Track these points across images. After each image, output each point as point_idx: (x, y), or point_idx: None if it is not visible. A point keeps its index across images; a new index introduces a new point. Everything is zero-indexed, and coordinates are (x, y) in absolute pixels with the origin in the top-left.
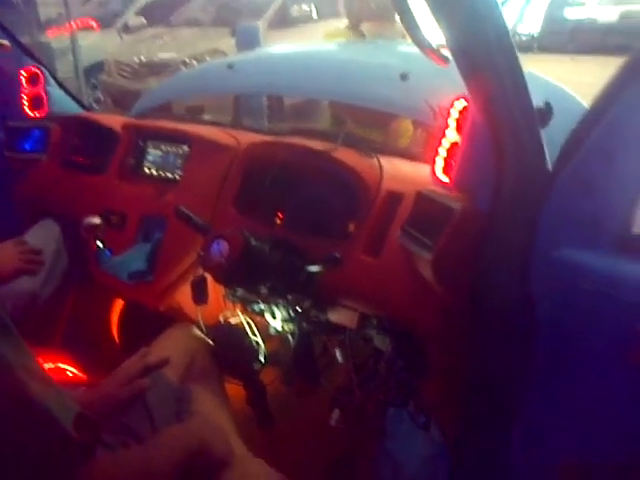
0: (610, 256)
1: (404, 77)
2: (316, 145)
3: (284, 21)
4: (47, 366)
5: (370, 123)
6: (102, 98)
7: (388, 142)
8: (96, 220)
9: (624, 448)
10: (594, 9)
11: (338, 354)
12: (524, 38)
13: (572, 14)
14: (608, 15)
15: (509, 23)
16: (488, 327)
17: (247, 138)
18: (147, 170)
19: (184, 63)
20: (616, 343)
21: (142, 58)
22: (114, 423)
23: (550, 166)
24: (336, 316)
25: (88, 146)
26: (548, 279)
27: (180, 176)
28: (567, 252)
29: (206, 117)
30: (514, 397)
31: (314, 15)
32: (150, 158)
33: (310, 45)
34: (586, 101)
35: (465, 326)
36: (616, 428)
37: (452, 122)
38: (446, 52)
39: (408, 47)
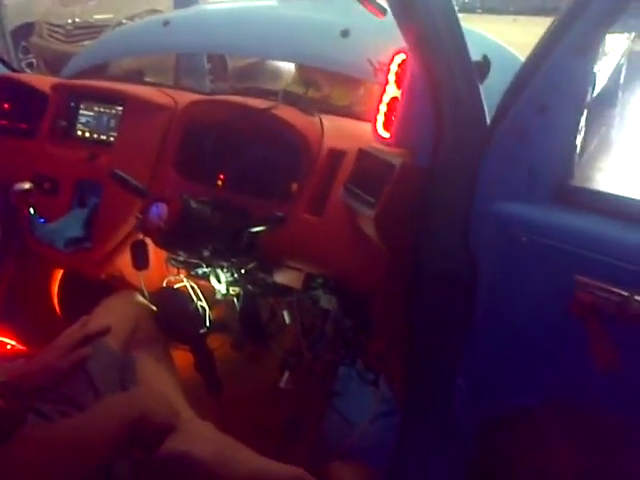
0: (547, 207)
1: (345, 34)
2: (256, 103)
3: None
4: None
5: (340, 85)
6: (35, 62)
7: (357, 104)
8: (26, 186)
9: (565, 397)
10: None
11: (286, 316)
12: None
13: None
14: None
15: None
16: (431, 281)
17: (186, 98)
18: (80, 133)
19: (121, 25)
20: (556, 293)
21: (76, 19)
22: (54, 394)
23: (488, 120)
24: (282, 277)
25: (16, 109)
26: (487, 232)
27: (115, 138)
28: (505, 205)
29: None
30: (458, 351)
31: None
32: (82, 120)
33: (249, 1)
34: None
35: (408, 281)
36: (557, 378)
37: (392, 77)
38: (383, 3)
39: (351, 2)
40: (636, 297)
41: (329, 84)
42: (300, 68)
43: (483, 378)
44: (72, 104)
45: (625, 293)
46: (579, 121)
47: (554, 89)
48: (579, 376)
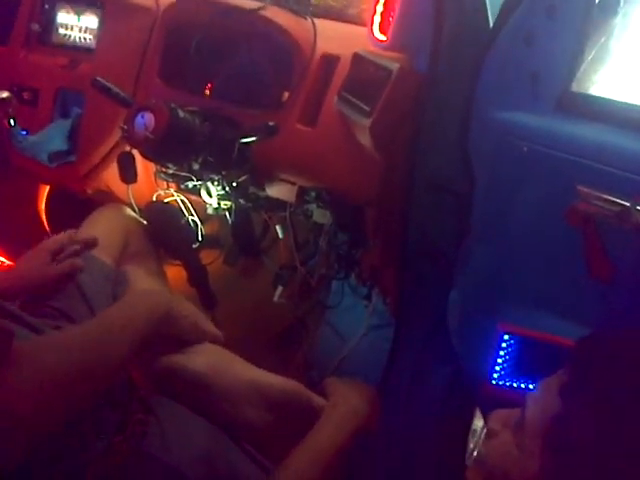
0: (550, 116)
1: None
2: (243, 3)
3: None
4: None
5: None
6: None
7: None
8: (3, 95)
9: (560, 310)
10: None
11: (279, 230)
12: None
13: None
14: None
15: None
16: (426, 191)
17: None
18: (58, 38)
19: None
20: (556, 204)
21: None
22: (46, 308)
23: (491, 22)
24: (275, 191)
25: None
26: (486, 141)
27: (95, 43)
28: (506, 113)
29: None
30: (452, 261)
31: None
32: (60, 24)
33: None
34: None
35: (403, 191)
36: (552, 291)
37: None
38: None
39: None
40: (637, 207)
41: None
42: None
43: (478, 290)
44: (46, 6)
45: (626, 203)
46: (588, 24)
47: None
48: (580, 289)
